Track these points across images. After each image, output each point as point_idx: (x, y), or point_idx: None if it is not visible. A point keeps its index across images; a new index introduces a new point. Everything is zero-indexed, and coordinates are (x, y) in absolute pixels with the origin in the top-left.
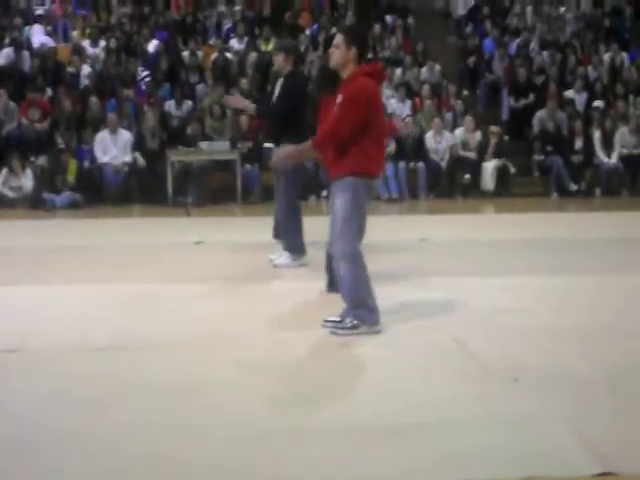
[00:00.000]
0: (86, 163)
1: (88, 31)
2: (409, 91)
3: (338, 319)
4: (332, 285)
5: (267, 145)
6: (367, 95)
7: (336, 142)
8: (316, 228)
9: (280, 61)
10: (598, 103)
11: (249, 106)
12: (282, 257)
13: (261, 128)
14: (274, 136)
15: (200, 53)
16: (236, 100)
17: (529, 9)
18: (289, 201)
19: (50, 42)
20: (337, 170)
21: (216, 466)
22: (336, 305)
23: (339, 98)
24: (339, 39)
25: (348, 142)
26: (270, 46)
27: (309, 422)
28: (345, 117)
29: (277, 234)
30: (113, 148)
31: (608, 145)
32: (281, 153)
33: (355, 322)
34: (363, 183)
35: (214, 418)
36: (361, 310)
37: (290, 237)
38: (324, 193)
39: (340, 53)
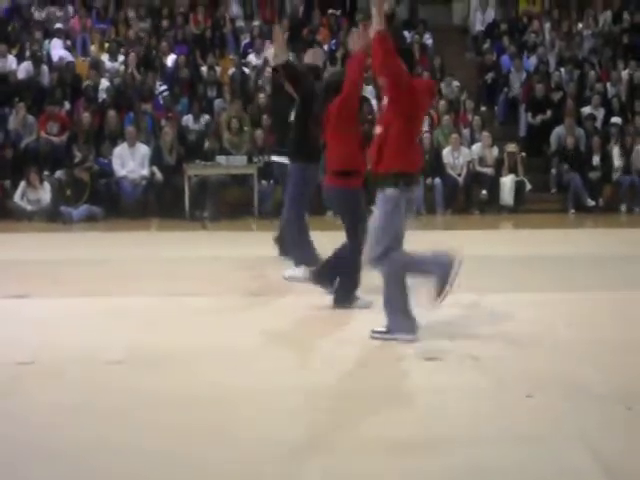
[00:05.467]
0: (102, 178)
1: (107, 45)
2: None
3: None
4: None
5: (278, 159)
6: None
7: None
8: (331, 243)
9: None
10: (616, 120)
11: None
12: (294, 271)
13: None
14: (289, 153)
15: (218, 68)
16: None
17: (547, 25)
18: (295, 217)
19: (69, 56)
20: (377, 168)
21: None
22: (345, 319)
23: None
24: None
25: (389, 138)
26: None
27: (323, 435)
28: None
29: (283, 250)
30: (131, 162)
31: (626, 162)
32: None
33: (390, 329)
34: (400, 192)
35: (231, 430)
36: (396, 318)
37: (299, 252)
38: None
39: None
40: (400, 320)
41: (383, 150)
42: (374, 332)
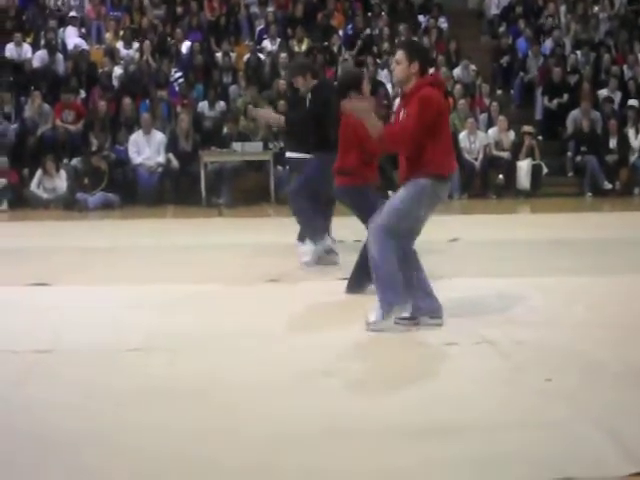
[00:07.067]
0: (118, 166)
1: (122, 33)
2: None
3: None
4: (350, 286)
5: (292, 154)
6: (435, 104)
7: (404, 146)
8: (348, 230)
9: (301, 83)
10: (633, 102)
11: (276, 118)
12: (306, 250)
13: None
14: (304, 147)
15: (233, 54)
16: (263, 113)
17: (563, 8)
18: (307, 188)
19: (84, 44)
20: (408, 175)
21: (247, 466)
22: (363, 306)
23: (404, 110)
24: (400, 55)
25: (417, 150)
26: (303, 47)
27: (342, 422)
28: (417, 125)
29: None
30: (147, 149)
31: None
32: (358, 105)
33: (386, 308)
34: (432, 184)
35: (247, 416)
36: (388, 291)
37: (306, 222)
38: None
39: (402, 69)
40: (391, 292)
41: (409, 163)
42: (399, 319)
